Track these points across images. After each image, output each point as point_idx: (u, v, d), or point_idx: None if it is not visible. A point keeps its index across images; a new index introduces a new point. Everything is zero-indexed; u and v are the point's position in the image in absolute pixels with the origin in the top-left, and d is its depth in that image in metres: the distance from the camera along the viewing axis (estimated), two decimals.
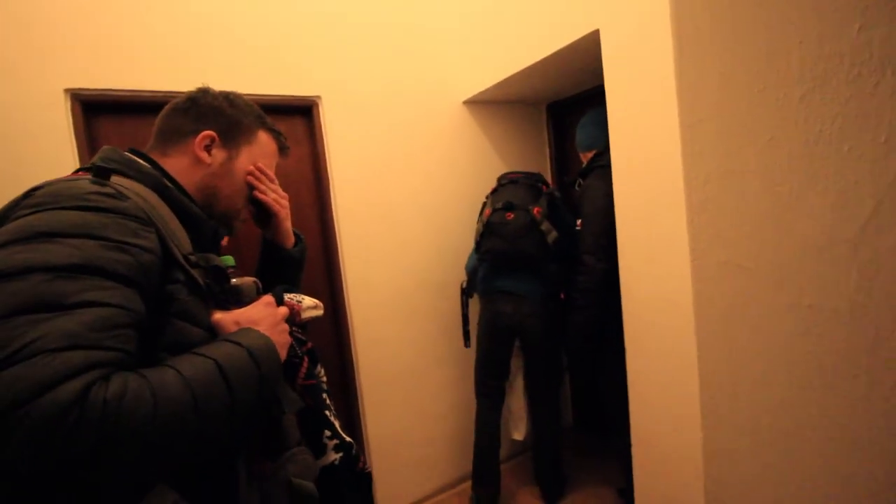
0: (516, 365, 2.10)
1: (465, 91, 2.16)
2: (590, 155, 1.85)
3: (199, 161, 0.78)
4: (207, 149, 0.79)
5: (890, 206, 0.61)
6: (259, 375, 0.60)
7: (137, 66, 1.51)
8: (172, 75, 1.54)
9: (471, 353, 2.10)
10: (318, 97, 1.85)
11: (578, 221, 1.77)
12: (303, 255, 1.06)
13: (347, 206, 1.92)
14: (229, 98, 0.84)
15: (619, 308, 1.49)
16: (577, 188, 1.84)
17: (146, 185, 0.68)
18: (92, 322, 0.47)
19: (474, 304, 2.11)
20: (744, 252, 0.78)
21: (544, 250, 1.79)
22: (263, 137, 0.88)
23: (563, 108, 2.42)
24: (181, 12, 1.57)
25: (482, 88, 2.06)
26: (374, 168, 1.98)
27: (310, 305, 0.94)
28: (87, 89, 1.46)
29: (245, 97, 0.88)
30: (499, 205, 1.85)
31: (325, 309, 1.91)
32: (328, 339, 1.95)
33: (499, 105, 2.32)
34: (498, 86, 2.00)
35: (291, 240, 1.03)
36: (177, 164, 0.77)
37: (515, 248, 1.79)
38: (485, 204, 1.98)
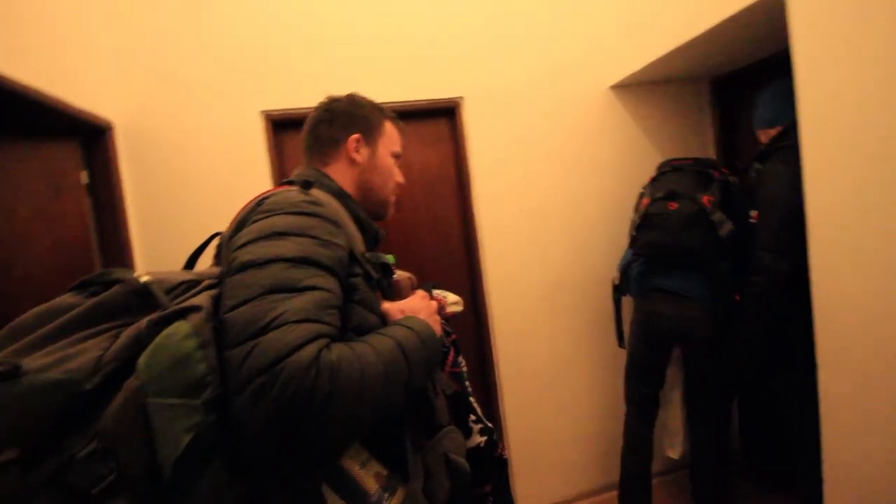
0: (674, 375, 1.89)
1: (613, 75, 2.02)
2: (772, 133, 1.57)
3: (353, 162, 0.90)
4: (356, 150, 0.90)
5: None
6: (426, 356, 0.69)
7: (304, 86, 1.77)
8: (333, 91, 1.77)
9: (624, 355, 1.96)
10: (461, 98, 1.92)
11: (753, 213, 1.52)
12: None
13: (487, 201, 1.95)
14: (354, 100, 0.95)
15: (805, 318, 1.25)
16: (751, 174, 1.58)
17: (331, 194, 0.81)
18: (316, 302, 0.58)
19: (628, 303, 1.96)
20: None
21: (715, 245, 1.57)
22: (388, 126, 0.97)
23: (731, 83, 2.10)
24: (338, 39, 1.81)
25: (633, 70, 1.90)
26: (514, 163, 1.98)
27: (453, 301, 1.03)
28: (276, 110, 1.75)
29: (367, 98, 0.97)
30: (659, 194, 1.68)
31: (466, 301, 1.99)
32: (468, 331, 2.02)
33: (651, 86, 2.11)
34: (652, 65, 1.83)
35: None
36: (337, 170, 0.89)
37: (678, 242, 1.61)
38: (642, 194, 1.81)
